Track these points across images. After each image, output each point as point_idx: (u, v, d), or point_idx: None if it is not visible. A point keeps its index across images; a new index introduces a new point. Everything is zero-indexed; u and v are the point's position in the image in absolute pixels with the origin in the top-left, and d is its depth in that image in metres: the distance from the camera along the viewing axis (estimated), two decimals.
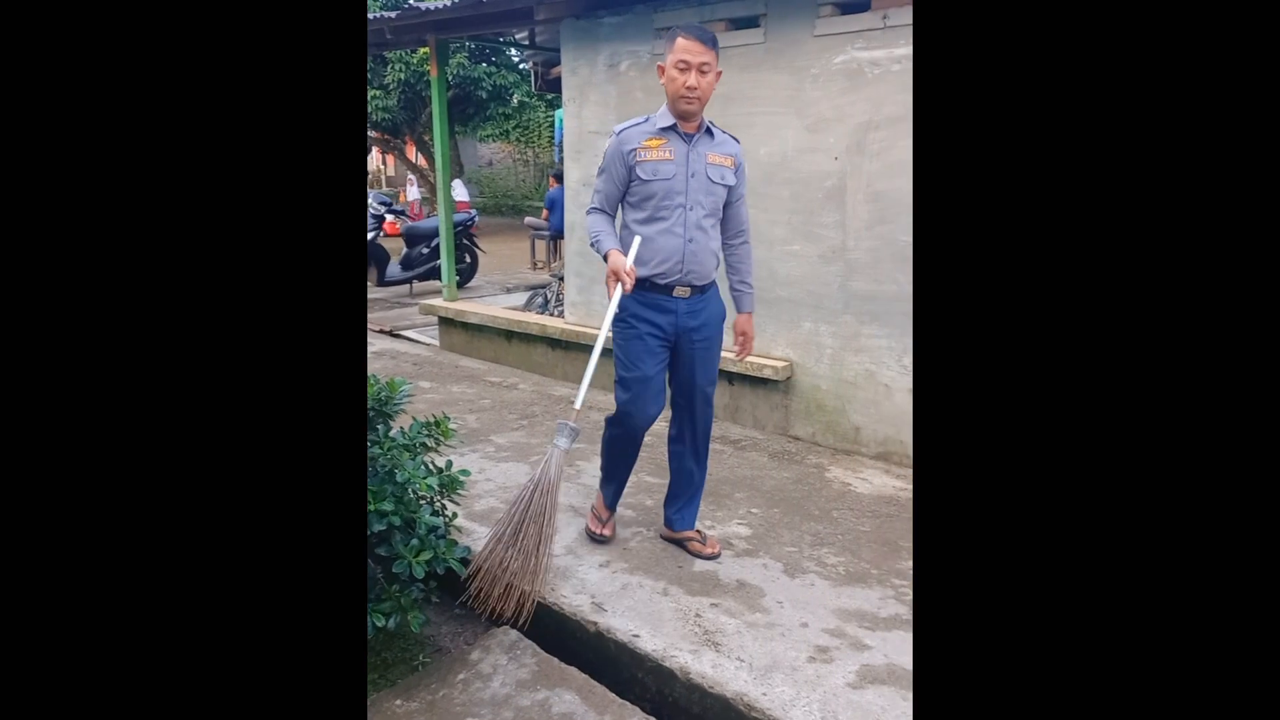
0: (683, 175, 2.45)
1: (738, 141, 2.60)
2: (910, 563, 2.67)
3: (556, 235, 8.65)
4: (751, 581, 2.52)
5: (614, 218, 2.57)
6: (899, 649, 2.16)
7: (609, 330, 2.49)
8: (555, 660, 2.21)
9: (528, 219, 10.93)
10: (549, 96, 13.74)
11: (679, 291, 2.49)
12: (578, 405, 2.48)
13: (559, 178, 5.90)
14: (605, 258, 2.42)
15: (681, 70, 2.34)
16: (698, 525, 2.78)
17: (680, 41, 2.35)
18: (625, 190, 2.50)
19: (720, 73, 2.43)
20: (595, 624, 2.28)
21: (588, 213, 2.56)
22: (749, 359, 3.95)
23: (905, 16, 3.28)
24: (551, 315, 5.70)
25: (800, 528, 2.90)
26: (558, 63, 5.07)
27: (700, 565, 2.61)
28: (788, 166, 3.78)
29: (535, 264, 10.03)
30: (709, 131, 2.51)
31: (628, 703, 2.06)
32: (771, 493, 3.22)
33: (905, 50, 3.31)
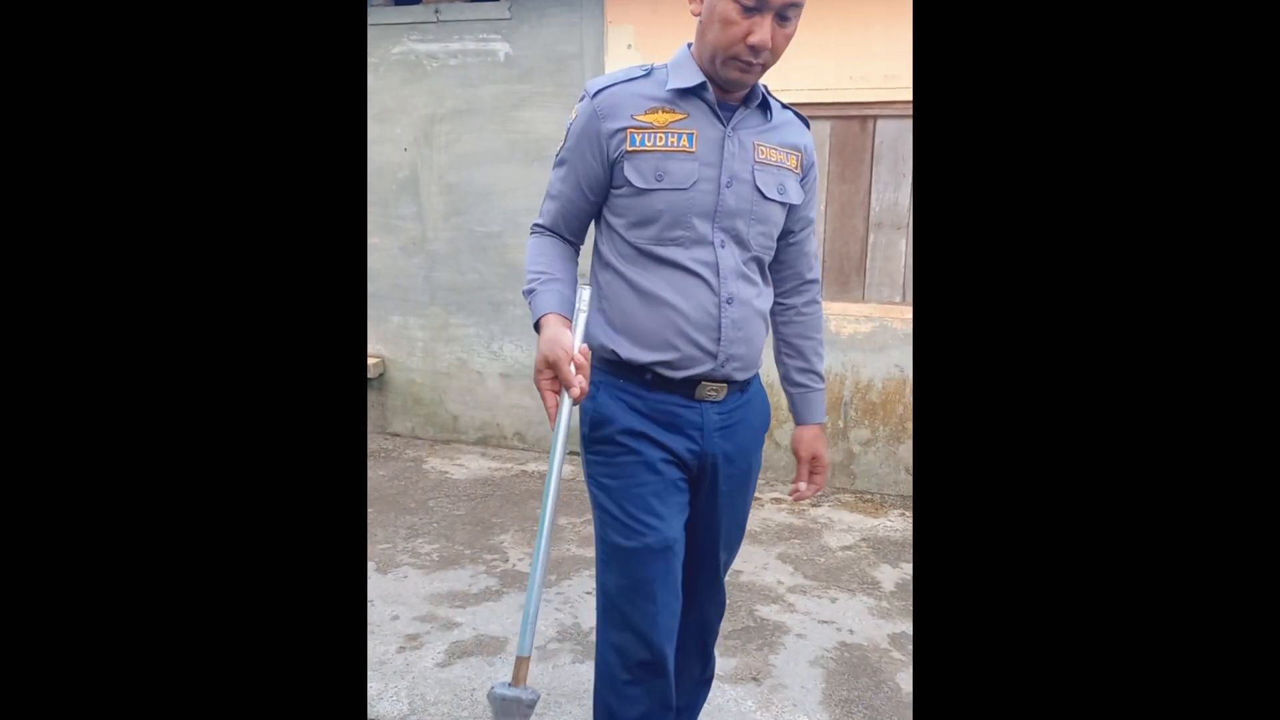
0: (711, 179, 1.28)
1: (808, 125, 1.42)
2: (502, 537, 2.79)
3: None
4: None
5: (575, 249, 1.38)
6: (487, 620, 2.24)
7: (558, 468, 1.24)
8: None
9: None
10: None
11: (707, 392, 1.32)
12: (524, 650, 1.20)
13: None
14: (536, 326, 1.27)
15: (745, 12, 1.17)
16: None
17: None
18: (603, 198, 1.32)
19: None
20: None
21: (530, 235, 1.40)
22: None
23: (457, 12, 3.37)
24: None
25: (396, 523, 2.87)
26: None
27: None
28: None
29: None
30: (764, 103, 1.33)
31: None
32: (367, 493, 3.14)
33: (460, 45, 3.41)
